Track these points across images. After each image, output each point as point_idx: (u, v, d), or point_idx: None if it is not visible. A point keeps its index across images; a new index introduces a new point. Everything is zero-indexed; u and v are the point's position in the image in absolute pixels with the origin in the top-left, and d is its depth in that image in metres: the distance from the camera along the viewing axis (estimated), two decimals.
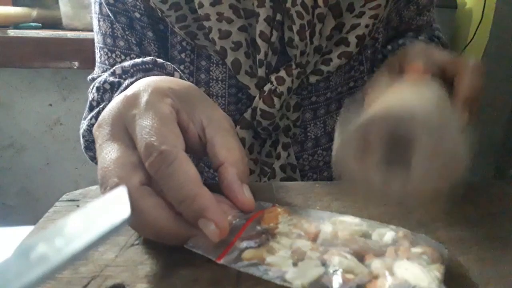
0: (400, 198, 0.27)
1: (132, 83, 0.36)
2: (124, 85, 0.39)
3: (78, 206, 0.32)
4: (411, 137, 0.26)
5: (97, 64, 0.52)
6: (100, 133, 0.27)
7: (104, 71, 0.50)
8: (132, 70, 0.41)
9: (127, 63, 0.41)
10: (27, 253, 0.17)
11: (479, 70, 0.34)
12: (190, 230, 0.24)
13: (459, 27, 1.23)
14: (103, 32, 0.49)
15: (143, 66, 0.40)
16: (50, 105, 1.04)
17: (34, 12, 0.96)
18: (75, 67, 0.92)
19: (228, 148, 0.28)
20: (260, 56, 0.44)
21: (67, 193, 0.34)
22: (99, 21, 0.49)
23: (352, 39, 0.46)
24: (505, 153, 0.96)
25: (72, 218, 0.19)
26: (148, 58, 0.40)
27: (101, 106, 0.43)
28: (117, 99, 0.28)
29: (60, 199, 0.33)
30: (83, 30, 0.94)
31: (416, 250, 0.23)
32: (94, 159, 0.48)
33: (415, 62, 0.34)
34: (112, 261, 0.25)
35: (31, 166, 1.07)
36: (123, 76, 0.41)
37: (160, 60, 0.40)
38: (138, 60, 0.41)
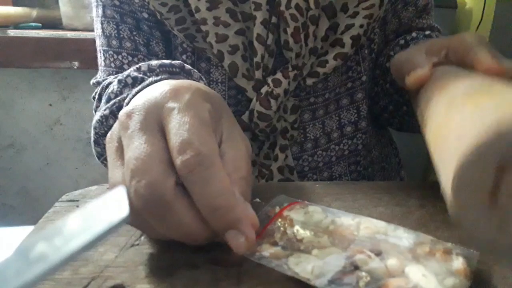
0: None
1: (156, 81, 0.34)
2: (147, 82, 0.36)
3: (77, 206, 0.32)
4: None
5: (101, 68, 0.51)
6: (132, 121, 0.25)
7: (110, 74, 0.49)
8: (158, 70, 0.39)
9: (154, 62, 0.39)
10: (27, 253, 0.17)
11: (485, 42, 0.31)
12: (215, 234, 0.24)
13: (459, 27, 1.22)
14: (108, 34, 0.49)
15: (170, 69, 0.39)
16: (50, 105, 1.04)
17: (34, 12, 0.96)
18: (75, 67, 0.92)
19: (235, 165, 0.26)
20: (257, 59, 0.44)
21: (67, 194, 0.34)
22: (102, 23, 0.49)
23: (347, 39, 0.46)
24: None
25: (71, 217, 0.19)
26: (176, 62, 0.39)
27: (117, 98, 0.41)
28: (153, 90, 0.27)
29: (60, 199, 0.33)
30: (83, 30, 0.94)
31: (442, 258, 0.23)
32: (101, 155, 0.45)
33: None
34: (112, 262, 0.25)
35: (31, 166, 1.07)
36: (148, 74, 0.39)
37: (188, 66, 0.39)
38: (167, 61, 0.39)
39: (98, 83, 0.50)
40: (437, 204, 0.32)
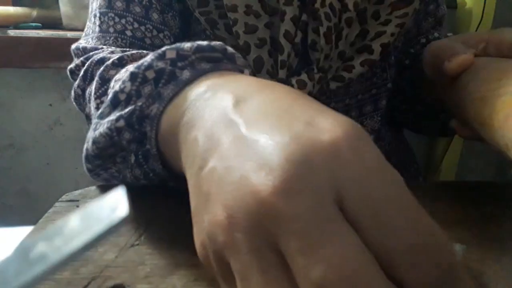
0: None
1: (195, 76, 0.25)
2: (182, 78, 0.26)
3: (77, 206, 0.32)
4: None
5: (92, 35, 0.43)
6: (239, 238, 0.15)
7: (105, 43, 0.41)
8: (193, 57, 0.27)
9: (187, 44, 0.27)
10: (27, 253, 0.17)
11: None
12: None
13: (459, 27, 1.22)
14: None
15: (210, 55, 0.27)
16: (50, 105, 1.04)
17: (34, 12, 0.96)
18: None
19: None
20: (283, 57, 0.41)
21: (67, 194, 0.34)
22: None
23: (376, 46, 0.44)
24: None
25: (72, 217, 0.19)
26: (217, 43, 0.28)
27: (137, 104, 0.27)
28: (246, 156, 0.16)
29: (60, 199, 0.33)
30: (83, 30, 0.94)
31: None
32: (98, 167, 0.34)
33: None
34: (112, 262, 0.25)
35: (31, 166, 1.07)
36: (178, 64, 0.27)
37: (230, 49, 0.28)
38: (203, 42, 0.27)
39: (85, 50, 0.41)
40: (437, 204, 0.32)
